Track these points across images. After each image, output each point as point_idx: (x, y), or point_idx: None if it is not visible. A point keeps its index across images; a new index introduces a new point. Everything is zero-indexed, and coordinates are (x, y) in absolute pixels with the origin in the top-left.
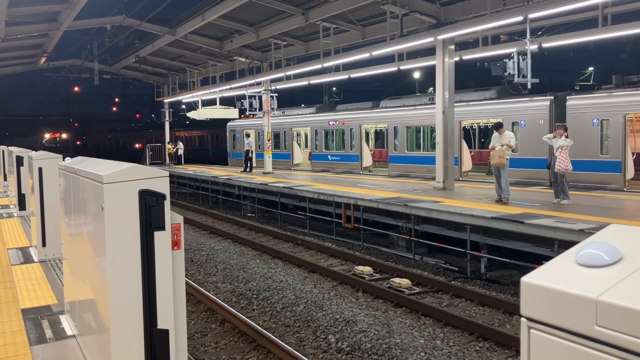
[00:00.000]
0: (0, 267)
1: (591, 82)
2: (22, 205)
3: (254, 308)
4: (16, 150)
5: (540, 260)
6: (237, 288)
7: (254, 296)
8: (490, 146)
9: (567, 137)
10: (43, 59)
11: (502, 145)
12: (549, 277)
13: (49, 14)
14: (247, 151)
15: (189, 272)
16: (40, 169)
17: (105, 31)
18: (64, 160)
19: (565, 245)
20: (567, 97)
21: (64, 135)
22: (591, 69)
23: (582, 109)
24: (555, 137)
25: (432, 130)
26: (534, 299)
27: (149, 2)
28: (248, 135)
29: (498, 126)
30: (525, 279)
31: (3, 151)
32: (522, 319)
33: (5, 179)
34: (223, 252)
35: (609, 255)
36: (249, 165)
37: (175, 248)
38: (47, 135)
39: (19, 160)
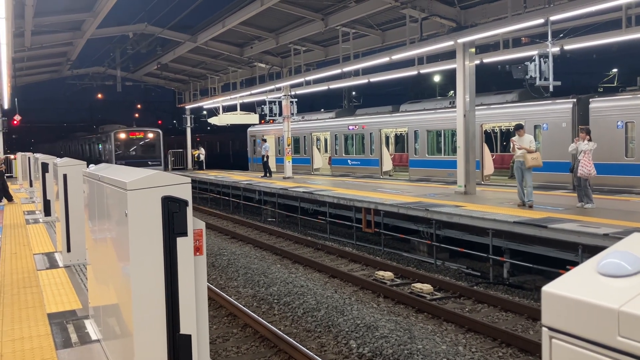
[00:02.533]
0: (27, 272)
1: (615, 84)
2: (47, 211)
3: (275, 313)
4: (42, 157)
5: (564, 265)
6: (258, 293)
7: (275, 301)
8: (515, 147)
9: (590, 140)
10: (67, 67)
11: (520, 149)
12: (570, 287)
13: (73, 22)
14: (264, 156)
15: (210, 276)
16: (65, 176)
17: (128, 39)
18: (88, 167)
19: (590, 250)
20: (591, 100)
21: (151, 135)
22: (615, 70)
23: (605, 112)
24: (578, 141)
25: (453, 134)
26: (556, 309)
27: (171, 10)
28: (265, 140)
29: (518, 127)
30: (547, 288)
31: (29, 158)
32: (544, 329)
33: (31, 185)
34: (244, 257)
35: (631, 265)
36: (267, 170)
37: (198, 254)
38: (122, 135)
39: (44, 167)
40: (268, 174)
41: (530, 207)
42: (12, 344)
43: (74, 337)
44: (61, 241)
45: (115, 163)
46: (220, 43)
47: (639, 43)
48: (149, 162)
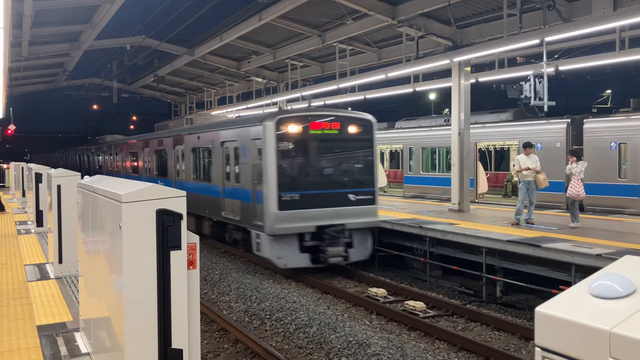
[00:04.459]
0: (17, 284)
1: (609, 105)
2: (39, 221)
3: (266, 329)
4: (35, 168)
5: (557, 284)
6: (251, 308)
7: (267, 316)
8: (522, 167)
9: (576, 161)
10: (63, 78)
11: (529, 169)
12: (563, 308)
13: (71, 33)
14: None
15: (202, 290)
16: (59, 187)
17: (125, 51)
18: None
19: (583, 270)
20: (585, 120)
21: (354, 129)
22: (609, 91)
23: (599, 132)
24: (573, 162)
25: (448, 151)
26: (549, 329)
27: (169, 23)
28: None
29: (527, 145)
30: (540, 309)
31: (22, 168)
32: (537, 349)
33: (23, 195)
34: (236, 272)
35: (622, 287)
36: None
37: (191, 267)
38: (294, 129)
39: (38, 177)
40: None
41: (532, 224)
42: (0, 356)
43: (63, 350)
44: (53, 252)
45: (281, 192)
46: (217, 57)
47: (633, 65)
48: (351, 195)
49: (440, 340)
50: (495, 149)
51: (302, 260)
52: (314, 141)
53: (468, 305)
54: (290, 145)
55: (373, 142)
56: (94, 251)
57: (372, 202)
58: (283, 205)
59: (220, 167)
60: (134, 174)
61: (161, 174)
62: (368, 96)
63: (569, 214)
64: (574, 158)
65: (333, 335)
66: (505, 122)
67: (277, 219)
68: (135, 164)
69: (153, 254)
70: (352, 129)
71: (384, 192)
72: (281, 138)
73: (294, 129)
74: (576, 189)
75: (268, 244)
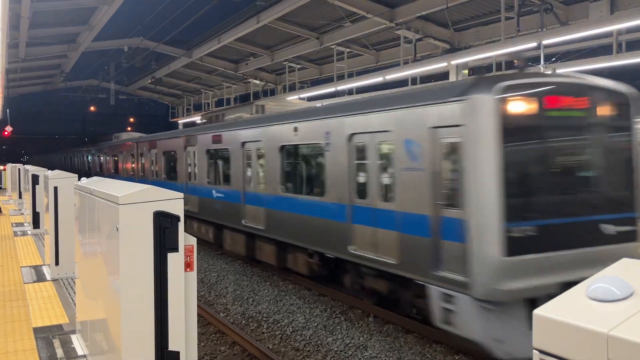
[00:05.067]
0: (13, 285)
1: None
2: (36, 223)
3: (263, 331)
4: (32, 169)
5: None
6: (247, 310)
7: (264, 319)
8: None
9: None
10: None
11: None
12: (561, 311)
13: (68, 35)
14: None
15: (199, 292)
16: (55, 188)
17: (123, 52)
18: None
19: None
20: None
21: (608, 109)
22: None
23: None
24: None
25: None
26: (547, 332)
27: (166, 25)
28: None
29: None
30: (538, 312)
31: (19, 169)
32: (535, 352)
33: (20, 197)
34: (233, 274)
35: (620, 290)
36: None
37: (188, 270)
38: (522, 108)
39: (35, 179)
40: None
41: None
42: None
43: (59, 352)
44: (49, 254)
45: (509, 224)
46: (215, 59)
47: (630, 68)
48: (607, 225)
49: (437, 342)
50: None
51: None
52: (556, 130)
53: None
54: (520, 138)
55: (632, 132)
56: (91, 253)
57: (634, 236)
58: (513, 246)
59: (344, 174)
60: (169, 181)
61: (215, 181)
62: None
63: None
64: None
65: (330, 338)
66: None
67: (501, 271)
68: (170, 168)
69: (150, 256)
70: (604, 109)
71: None
72: (506, 124)
73: (524, 107)
74: None
75: (477, 316)
